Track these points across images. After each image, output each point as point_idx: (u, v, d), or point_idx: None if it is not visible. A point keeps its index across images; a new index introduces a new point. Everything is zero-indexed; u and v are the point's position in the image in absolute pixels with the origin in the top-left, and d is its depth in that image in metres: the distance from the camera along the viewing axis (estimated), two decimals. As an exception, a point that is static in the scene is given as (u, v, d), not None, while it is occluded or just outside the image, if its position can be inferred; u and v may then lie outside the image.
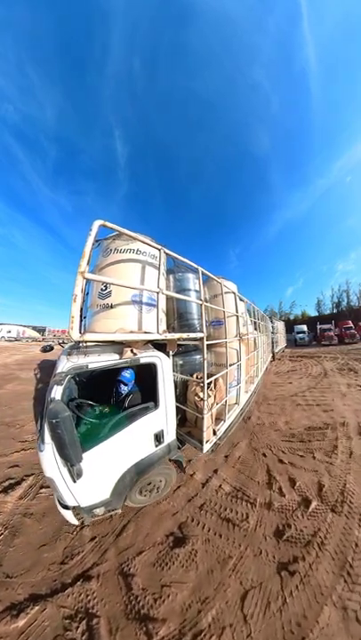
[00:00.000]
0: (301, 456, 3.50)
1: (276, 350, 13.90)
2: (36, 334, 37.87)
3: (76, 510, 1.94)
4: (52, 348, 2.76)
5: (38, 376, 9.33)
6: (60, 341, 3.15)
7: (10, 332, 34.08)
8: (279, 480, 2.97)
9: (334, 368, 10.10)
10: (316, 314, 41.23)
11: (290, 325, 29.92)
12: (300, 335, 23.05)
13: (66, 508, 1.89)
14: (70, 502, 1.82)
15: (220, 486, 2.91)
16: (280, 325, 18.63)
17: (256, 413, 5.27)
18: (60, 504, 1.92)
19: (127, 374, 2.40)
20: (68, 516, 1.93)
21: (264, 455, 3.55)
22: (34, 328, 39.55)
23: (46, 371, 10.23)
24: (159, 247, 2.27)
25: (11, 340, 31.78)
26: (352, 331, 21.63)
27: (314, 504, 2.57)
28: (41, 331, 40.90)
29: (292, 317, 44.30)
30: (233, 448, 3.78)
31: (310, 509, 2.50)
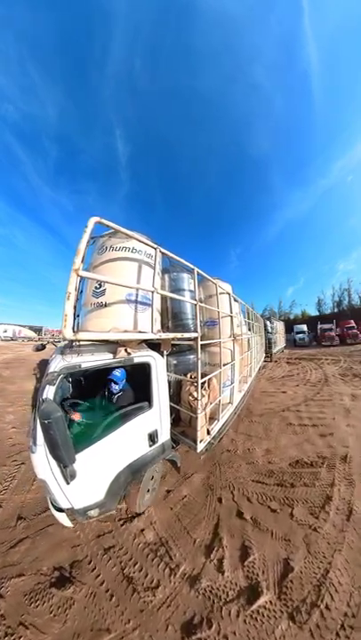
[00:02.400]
0: (274, 511, 2.44)
1: (274, 351, 13.52)
2: (32, 334, 37.17)
3: (70, 512, 1.90)
4: (43, 347, 2.70)
5: (21, 374, 9.18)
6: (54, 340, 3.09)
7: (6, 331, 33.51)
8: (226, 545, 2.09)
9: (336, 373, 8.97)
10: (317, 313, 40.45)
11: (290, 325, 28.97)
12: (300, 335, 22.16)
13: (60, 510, 1.86)
14: (64, 504, 1.78)
15: (142, 531, 2.27)
16: (280, 325, 18.33)
17: (231, 433, 4.08)
18: (54, 506, 1.88)
19: (118, 373, 2.38)
20: (62, 518, 1.89)
21: (220, 500, 2.62)
22: (30, 327, 38.83)
23: (30, 369, 10.05)
24: (155, 246, 2.26)
25: (6, 340, 31.30)
26: (354, 330, 20.34)
27: (264, 599, 1.67)
28: (37, 330, 40.03)
29: (291, 317, 43.82)
30: (183, 480, 2.94)
31: (255, 606, 1.63)
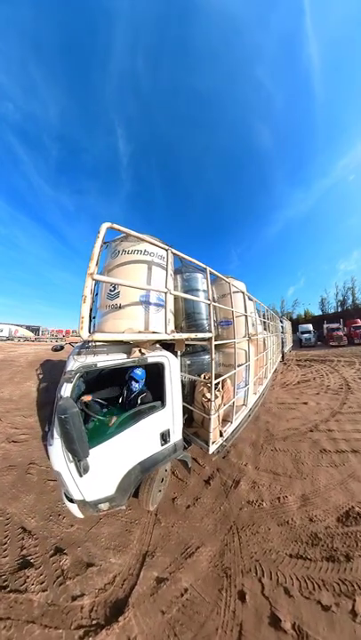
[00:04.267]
0: (327, 608, 1.60)
1: (285, 350, 13.76)
2: (29, 334, 35.91)
3: (82, 504, 1.99)
4: (62, 348, 2.85)
5: (2, 378, 8.25)
6: (68, 342, 3.26)
7: (1, 330, 32.23)
8: None
9: (356, 378, 8.19)
10: (320, 312, 39.10)
11: (293, 325, 28.08)
12: (306, 335, 21.43)
13: (71, 501, 1.96)
14: (76, 496, 1.87)
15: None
16: (288, 325, 18.27)
17: (251, 472, 3.09)
18: (67, 497, 1.98)
19: (139, 372, 2.45)
20: (74, 509, 1.99)
21: (241, 597, 1.70)
22: (27, 327, 37.39)
23: (16, 372, 8.98)
24: (166, 247, 2.28)
25: (2, 340, 30.02)
26: None
27: None
28: (34, 330, 38.51)
29: (294, 316, 42.64)
30: (182, 561, 1.97)
31: None
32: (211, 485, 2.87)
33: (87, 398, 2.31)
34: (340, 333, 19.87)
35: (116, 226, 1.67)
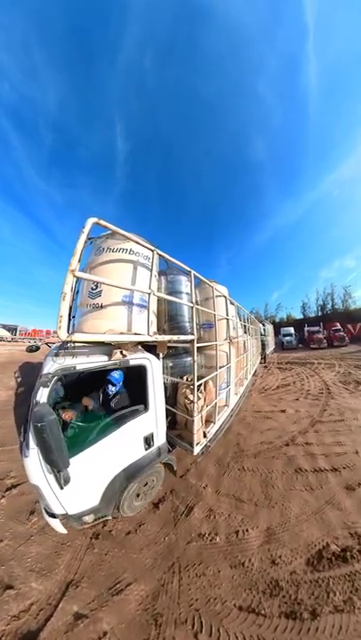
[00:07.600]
0: None
1: (267, 352, 14.14)
2: (6, 333, 33.19)
3: (64, 518, 1.85)
4: (38, 348, 2.66)
5: None
6: (47, 342, 3.05)
7: None
8: None
9: (337, 381, 8.03)
10: (302, 316, 42.30)
11: (275, 328, 30.13)
12: (288, 338, 22.21)
13: (53, 516, 1.81)
14: (57, 510, 1.73)
15: None
16: (270, 328, 19.03)
17: (210, 497, 2.69)
18: (47, 513, 1.83)
19: (116, 375, 2.36)
20: (56, 524, 1.84)
21: None
22: (4, 326, 34.93)
23: None
24: (152, 248, 2.26)
25: None
26: (341, 333, 20.90)
27: None
28: (12, 330, 36.06)
29: (277, 320, 45.32)
30: (108, 598, 1.73)
31: None
32: (159, 510, 2.52)
33: (68, 417, 2.12)
34: (321, 336, 20.93)
35: (102, 222, 1.62)
